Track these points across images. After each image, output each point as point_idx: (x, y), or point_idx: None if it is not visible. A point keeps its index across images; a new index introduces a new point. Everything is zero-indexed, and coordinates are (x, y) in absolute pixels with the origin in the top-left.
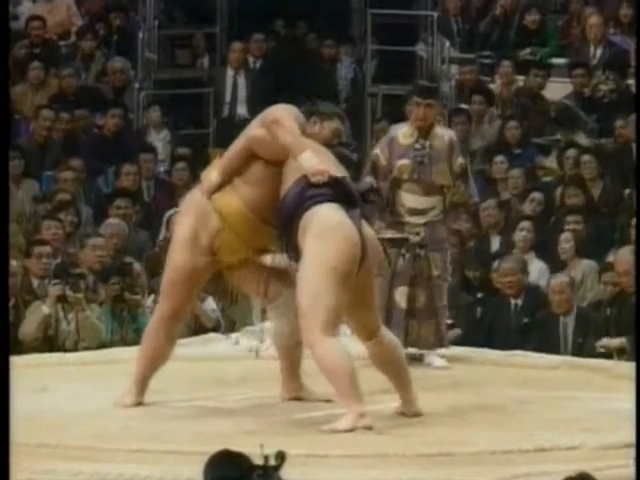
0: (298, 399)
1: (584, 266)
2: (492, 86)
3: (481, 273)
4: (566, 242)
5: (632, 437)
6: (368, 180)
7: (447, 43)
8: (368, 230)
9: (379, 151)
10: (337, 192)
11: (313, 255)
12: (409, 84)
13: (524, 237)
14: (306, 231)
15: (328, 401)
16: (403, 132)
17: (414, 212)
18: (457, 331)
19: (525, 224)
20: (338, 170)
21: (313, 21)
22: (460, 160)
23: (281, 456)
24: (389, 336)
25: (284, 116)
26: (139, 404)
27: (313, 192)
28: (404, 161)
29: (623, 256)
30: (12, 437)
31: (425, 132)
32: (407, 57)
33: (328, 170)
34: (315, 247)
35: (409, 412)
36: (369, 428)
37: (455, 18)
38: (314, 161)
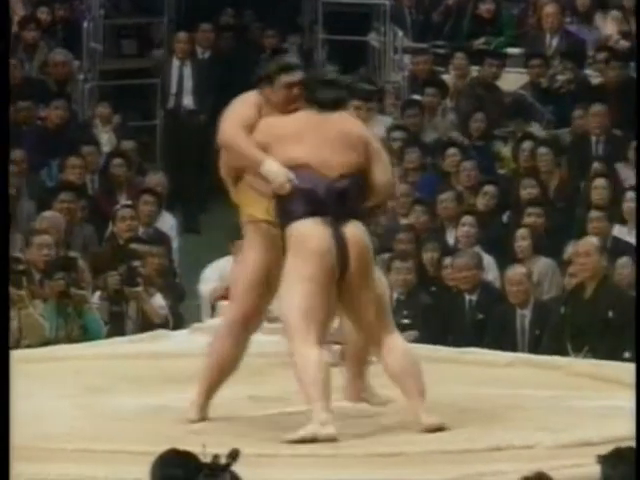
0: (363, 401)
1: (542, 265)
2: (446, 77)
3: (435, 268)
4: (522, 239)
5: (589, 435)
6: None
7: (400, 33)
8: (353, 232)
9: None
10: (306, 202)
11: (289, 270)
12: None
13: (466, 232)
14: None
15: (386, 403)
16: None
17: None
18: (414, 333)
19: (467, 219)
20: (316, 153)
21: (262, 10)
22: None
23: (233, 455)
24: (398, 343)
25: (229, 135)
26: (204, 419)
27: (286, 208)
28: None
29: (585, 245)
30: None
31: None
32: (359, 47)
33: (286, 183)
34: (289, 263)
35: (418, 426)
36: (332, 439)
37: (408, 7)
38: (274, 173)
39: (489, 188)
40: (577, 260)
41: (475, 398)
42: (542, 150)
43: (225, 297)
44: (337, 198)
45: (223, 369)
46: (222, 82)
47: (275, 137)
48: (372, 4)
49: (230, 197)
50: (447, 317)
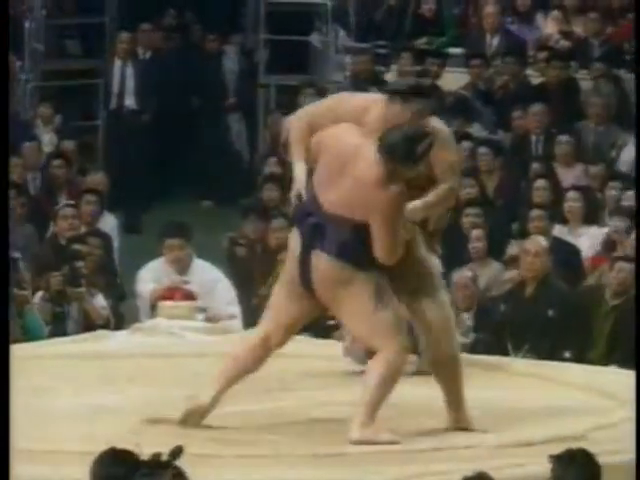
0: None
1: (491, 268)
2: (388, 76)
3: None
4: (477, 240)
5: (530, 434)
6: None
7: (342, 32)
8: (318, 259)
9: None
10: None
11: None
12: (302, 74)
13: None
14: None
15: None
16: None
17: None
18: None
19: None
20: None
21: (204, 11)
22: None
23: (175, 453)
24: (384, 357)
25: (292, 122)
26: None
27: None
28: None
29: (535, 245)
30: None
31: None
32: (301, 47)
33: (295, 195)
34: None
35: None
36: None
37: (351, 7)
38: (296, 179)
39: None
40: (525, 259)
41: (417, 398)
42: (482, 150)
43: (165, 297)
44: (323, 234)
45: (238, 374)
46: (164, 82)
47: (322, 151)
48: (314, 4)
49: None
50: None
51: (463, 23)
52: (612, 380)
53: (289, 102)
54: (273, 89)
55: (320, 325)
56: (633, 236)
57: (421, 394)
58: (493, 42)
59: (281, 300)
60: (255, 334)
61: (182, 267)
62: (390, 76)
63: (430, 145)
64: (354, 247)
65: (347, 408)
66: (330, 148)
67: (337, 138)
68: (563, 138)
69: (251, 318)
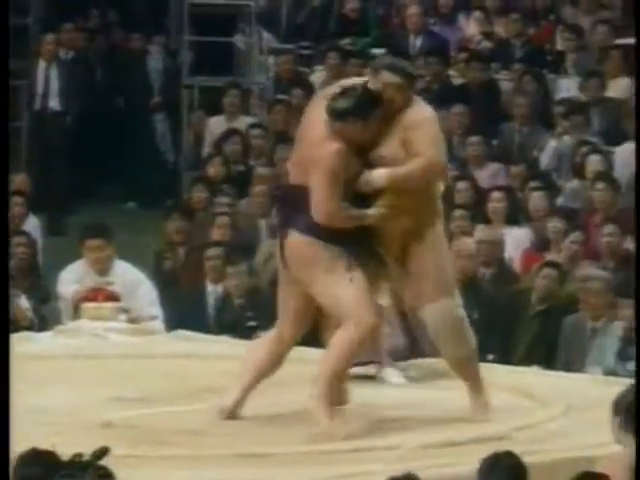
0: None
1: None
2: (313, 77)
3: None
4: None
5: (453, 435)
6: None
7: (265, 34)
8: (290, 241)
9: None
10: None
11: None
12: (227, 75)
13: None
14: None
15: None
16: None
17: None
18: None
19: None
20: None
21: (127, 11)
22: None
23: (99, 453)
24: (346, 331)
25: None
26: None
27: None
28: None
29: (466, 247)
30: None
31: None
32: (225, 48)
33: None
34: None
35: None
36: None
37: (275, 8)
38: None
39: None
40: (456, 262)
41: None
42: None
43: (88, 299)
44: (294, 209)
45: (257, 375)
46: (88, 83)
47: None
48: (238, 5)
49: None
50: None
51: (386, 24)
52: (534, 381)
53: (213, 103)
54: (197, 90)
55: (242, 326)
56: (570, 238)
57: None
58: (416, 43)
59: (281, 293)
60: (270, 332)
61: (103, 268)
62: (315, 77)
63: (376, 103)
64: (300, 219)
65: (275, 409)
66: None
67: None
68: (474, 139)
69: (173, 320)
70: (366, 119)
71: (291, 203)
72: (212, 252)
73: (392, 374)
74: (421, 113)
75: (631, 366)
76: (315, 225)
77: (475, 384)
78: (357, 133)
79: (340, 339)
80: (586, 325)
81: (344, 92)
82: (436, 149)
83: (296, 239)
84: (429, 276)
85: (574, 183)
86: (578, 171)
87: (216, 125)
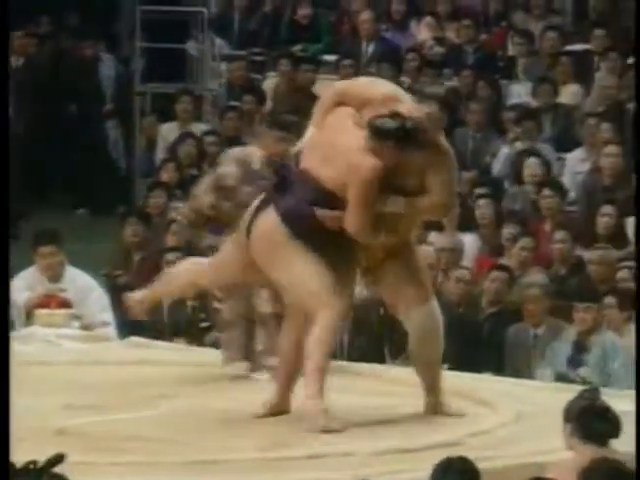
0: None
1: None
2: (265, 83)
3: None
4: None
5: (408, 442)
6: None
7: (218, 40)
8: (264, 217)
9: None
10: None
11: None
12: (179, 82)
13: None
14: None
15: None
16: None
17: None
18: (215, 334)
19: None
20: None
21: (78, 18)
22: None
23: (54, 460)
24: (318, 322)
25: (327, 91)
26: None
27: None
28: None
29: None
30: None
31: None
32: (177, 55)
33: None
34: None
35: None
36: None
37: (227, 15)
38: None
39: None
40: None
41: (292, 405)
42: None
43: (40, 305)
44: (278, 187)
45: (287, 366)
46: (39, 90)
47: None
48: (190, 12)
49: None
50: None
51: (338, 30)
52: (486, 387)
53: (165, 109)
54: (149, 97)
55: (195, 328)
56: (520, 244)
57: (293, 402)
58: (368, 49)
59: (228, 250)
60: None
61: (55, 275)
62: (267, 83)
63: (417, 136)
64: (305, 214)
65: (224, 415)
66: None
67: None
68: None
69: (125, 327)
70: (404, 149)
71: (286, 185)
72: (171, 257)
73: (262, 375)
74: (443, 149)
75: (583, 372)
76: (295, 217)
77: (437, 385)
78: (391, 157)
79: (318, 333)
80: (529, 332)
81: (394, 115)
82: (451, 192)
83: (270, 219)
84: (413, 281)
85: (514, 187)
86: (517, 175)
87: (169, 132)
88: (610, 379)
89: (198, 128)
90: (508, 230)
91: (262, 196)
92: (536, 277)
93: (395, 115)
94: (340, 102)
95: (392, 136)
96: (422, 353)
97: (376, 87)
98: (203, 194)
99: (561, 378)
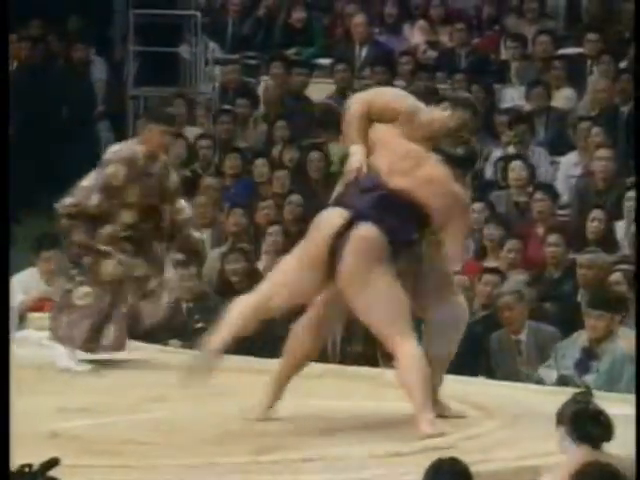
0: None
1: None
2: (258, 86)
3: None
4: None
5: (399, 445)
6: None
7: (211, 44)
8: (363, 230)
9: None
10: (347, 196)
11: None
12: (172, 86)
13: (273, 242)
14: None
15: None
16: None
17: None
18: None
19: (274, 228)
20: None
21: (71, 22)
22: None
23: (48, 465)
24: (409, 350)
25: (352, 104)
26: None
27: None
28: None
29: None
30: None
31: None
32: (170, 58)
33: (353, 171)
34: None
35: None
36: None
37: (221, 18)
38: (353, 157)
39: (294, 197)
40: None
41: (287, 409)
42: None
43: (35, 309)
44: (374, 203)
45: (298, 367)
46: (32, 93)
47: (379, 139)
48: (183, 16)
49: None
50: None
51: (332, 33)
52: (480, 391)
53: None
54: (142, 100)
55: (190, 329)
56: (507, 246)
57: (292, 405)
58: (362, 53)
59: (293, 269)
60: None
61: (52, 278)
62: (261, 87)
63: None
64: (411, 237)
65: (218, 418)
66: (387, 144)
67: (392, 136)
68: None
69: None
70: (464, 177)
71: (388, 203)
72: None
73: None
74: (461, 199)
75: (589, 378)
76: (401, 238)
77: (440, 383)
78: (463, 181)
79: (411, 364)
80: (510, 338)
81: (467, 141)
82: (462, 245)
83: (371, 234)
84: (440, 280)
85: (498, 190)
86: (502, 178)
87: None
88: (617, 388)
89: (190, 132)
90: (489, 231)
91: (346, 212)
92: (509, 284)
93: (463, 141)
94: (368, 112)
95: (461, 164)
96: (447, 347)
97: (401, 100)
98: (90, 192)
99: (565, 381)
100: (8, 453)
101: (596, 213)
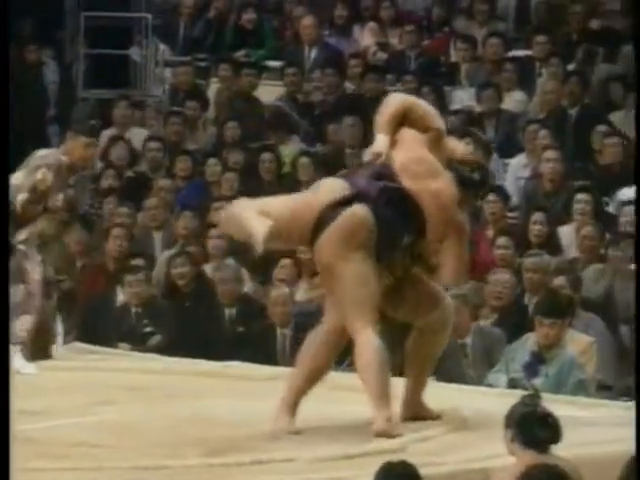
0: (417, 418)
1: None
2: (209, 88)
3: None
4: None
5: (348, 448)
6: None
7: (162, 46)
8: (354, 209)
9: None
10: (355, 177)
11: None
12: (123, 88)
13: (216, 244)
14: None
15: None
16: None
17: None
18: (157, 337)
19: (213, 232)
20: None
21: (21, 24)
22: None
23: None
24: (369, 339)
25: (392, 101)
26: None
27: None
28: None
29: None
30: None
31: None
32: (120, 61)
33: (376, 154)
34: None
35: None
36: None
37: (172, 21)
38: (378, 143)
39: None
40: None
41: (237, 412)
42: (303, 160)
43: None
44: (378, 191)
45: (313, 377)
46: None
47: (402, 139)
48: (134, 18)
49: None
50: (207, 330)
51: (282, 36)
52: (429, 393)
53: (109, 115)
54: (93, 102)
55: (139, 333)
56: None
57: (241, 407)
58: (311, 55)
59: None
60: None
61: None
62: (212, 88)
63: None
64: (398, 226)
65: (170, 421)
66: (407, 145)
67: (415, 140)
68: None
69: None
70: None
71: (391, 196)
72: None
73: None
74: (461, 224)
75: (538, 382)
76: (389, 226)
77: (425, 382)
78: (470, 205)
79: (368, 354)
80: (456, 343)
81: (482, 168)
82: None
83: (361, 212)
84: (428, 288)
85: None
86: None
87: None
88: (564, 391)
89: (136, 133)
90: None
91: (349, 188)
92: (454, 288)
93: (478, 166)
94: (403, 114)
95: (474, 189)
96: (428, 346)
97: (437, 119)
98: (17, 191)
99: (515, 385)
100: (8, 453)
101: (538, 216)
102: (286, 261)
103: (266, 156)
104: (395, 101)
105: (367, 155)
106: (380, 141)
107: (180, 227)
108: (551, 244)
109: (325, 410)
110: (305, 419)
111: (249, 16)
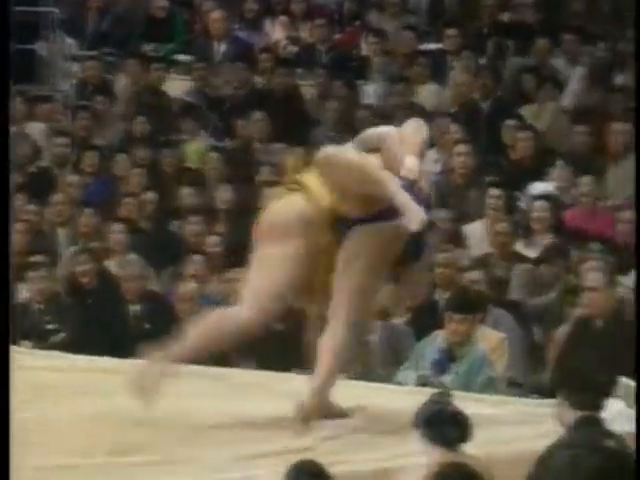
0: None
1: None
2: (118, 83)
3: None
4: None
5: (261, 446)
6: None
7: (68, 40)
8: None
9: None
10: None
11: None
12: (28, 83)
13: (117, 239)
14: None
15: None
16: None
17: None
18: (60, 335)
19: (117, 227)
20: None
21: None
22: None
23: None
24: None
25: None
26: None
27: None
28: None
29: None
30: None
31: None
32: (26, 55)
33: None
34: None
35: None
36: None
37: (79, 15)
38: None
39: (149, 195)
40: None
41: (149, 410)
42: (211, 155)
43: None
44: None
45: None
46: None
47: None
48: (41, 12)
49: None
50: (111, 327)
51: (191, 29)
52: (337, 391)
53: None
54: None
55: (41, 330)
56: None
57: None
58: (220, 49)
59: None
60: None
61: None
62: (119, 83)
63: None
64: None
65: (75, 420)
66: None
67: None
68: (277, 147)
69: None
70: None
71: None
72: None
73: None
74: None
75: (447, 379)
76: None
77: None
78: None
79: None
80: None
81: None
82: None
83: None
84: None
85: None
86: None
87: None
88: (473, 389)
89: (34, 128)
90: None
91: None
92: None
93: None
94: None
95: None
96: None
97: (418, 135)
98: None
99: (424, 382)
100: (8, 453)
101: (440, 213)
102: (197, 257)
103: (167, 152)
104: (423, 130)
105: (402, 170)
106: (413, 161)
107: (82, 224)
108: (455, 240)
109: (234, 408)
110: (215, 417)
111: (160, 3)
